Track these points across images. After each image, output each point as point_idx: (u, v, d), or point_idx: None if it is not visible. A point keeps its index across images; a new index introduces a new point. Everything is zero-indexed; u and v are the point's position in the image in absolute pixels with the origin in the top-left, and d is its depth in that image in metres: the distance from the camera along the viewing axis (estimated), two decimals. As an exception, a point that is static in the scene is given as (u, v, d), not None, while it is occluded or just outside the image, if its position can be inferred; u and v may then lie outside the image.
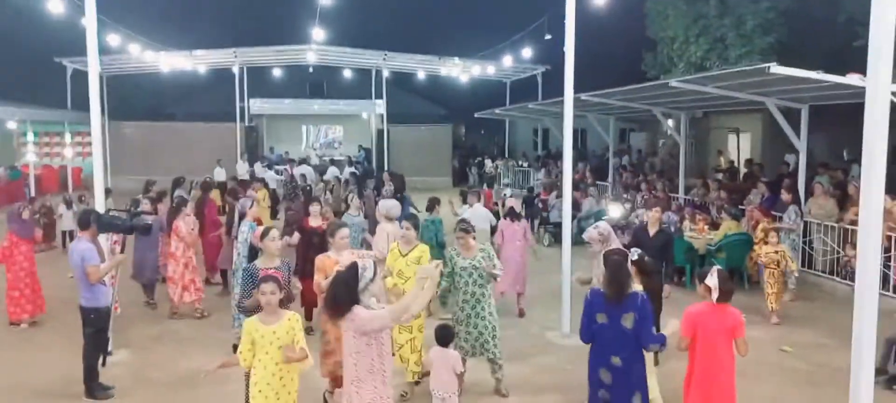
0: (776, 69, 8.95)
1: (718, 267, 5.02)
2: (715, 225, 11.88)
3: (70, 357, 7.02)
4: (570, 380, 6.82)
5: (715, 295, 4.81)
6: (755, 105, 13.81)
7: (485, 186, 19.24)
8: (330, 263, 5.98)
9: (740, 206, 12.40)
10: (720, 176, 17.75)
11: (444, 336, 5.83)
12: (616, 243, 6.89)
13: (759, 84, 10.79)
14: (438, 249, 8.80)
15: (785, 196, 10.86)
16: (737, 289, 10.46)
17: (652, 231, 7.93)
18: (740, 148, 20.40)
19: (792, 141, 12.10)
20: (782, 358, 7.85)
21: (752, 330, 8.78)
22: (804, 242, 11.31)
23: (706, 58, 17.95)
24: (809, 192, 11.78)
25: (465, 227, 6.58)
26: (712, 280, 4.82)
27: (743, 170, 18.22)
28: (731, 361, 4.87)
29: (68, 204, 13.86)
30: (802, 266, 10.75)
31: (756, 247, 11.04)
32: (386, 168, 25.56)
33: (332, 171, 21.49)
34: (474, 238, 6.61)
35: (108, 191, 14.04)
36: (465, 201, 12.42)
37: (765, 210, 11.42)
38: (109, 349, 7.13)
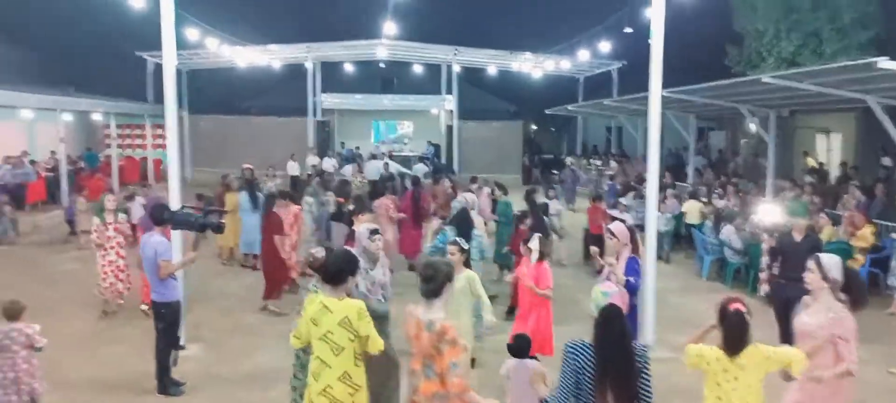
0: (885, 64, 8.23)
1: (538, 235, 6.67)
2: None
3: (143, 352, 7.01)
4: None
5: (534, 256, 6.44)
6: (848, 104, 12.89)
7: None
8: None
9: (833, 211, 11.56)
10: (809, 178, 16.76)
11: (521, 347, 5.47)
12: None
13: (861, 81, 10.00)
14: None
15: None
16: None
17: (798, 236, 7.48)
18: (830, 149, 19.23)
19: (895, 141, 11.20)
20: (889, 381, 7.19)
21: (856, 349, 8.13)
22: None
23: (798, 53, 16.94)
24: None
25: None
26: (534, 243, 6.47)
27: (834, 172, 17.15)
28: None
29: (130, 198, 13.40)
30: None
31: (857, 256, 10.27)
32: (455, 164, 25.31)
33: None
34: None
35: None
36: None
37: (866, 215, 10.60)
38: (182, 343, 7.12)
